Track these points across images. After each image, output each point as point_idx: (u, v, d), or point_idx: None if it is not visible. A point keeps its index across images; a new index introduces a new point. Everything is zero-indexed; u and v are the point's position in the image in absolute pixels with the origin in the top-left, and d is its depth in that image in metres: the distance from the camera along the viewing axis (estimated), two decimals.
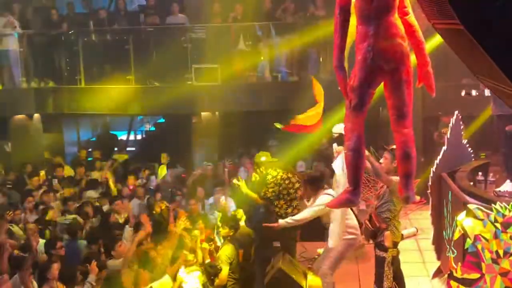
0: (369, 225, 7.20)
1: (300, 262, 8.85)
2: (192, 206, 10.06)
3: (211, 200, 10.71)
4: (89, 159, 14.73)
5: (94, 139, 18.00)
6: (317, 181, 8.06)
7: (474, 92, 10.75)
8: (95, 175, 12.72)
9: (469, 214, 6.88)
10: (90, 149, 15.37)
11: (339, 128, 9.56)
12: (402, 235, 10.62)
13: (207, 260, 7.75)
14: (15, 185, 12.08)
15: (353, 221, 7.69)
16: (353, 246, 7.69)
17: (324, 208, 7.54)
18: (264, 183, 9.04)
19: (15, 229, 9.26)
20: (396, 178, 6.75)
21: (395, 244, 7.21)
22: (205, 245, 7.90)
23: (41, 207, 10.18)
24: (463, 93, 11.84)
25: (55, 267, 7.16)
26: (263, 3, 14.16)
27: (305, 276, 8.06)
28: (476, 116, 11.87)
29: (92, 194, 11.05)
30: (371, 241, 7.47)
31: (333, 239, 7.55)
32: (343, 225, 7.49)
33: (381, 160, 7.39)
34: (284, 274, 7.54)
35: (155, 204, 10.30)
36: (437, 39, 9.21)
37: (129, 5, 16.40)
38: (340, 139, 9.54)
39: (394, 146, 6.95)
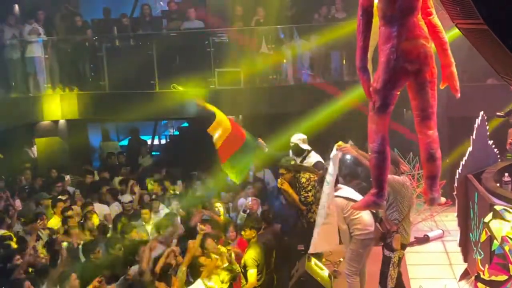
0: (380, 228, 7.14)
1: (326, 265, 8.82)
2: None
3: (241, 201, 10.56)
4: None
5: (123, 143, 18.09)
6: None
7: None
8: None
9: (495, 215, 6.83)
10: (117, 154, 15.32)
11: (295, 138, 9.57)
12: (428, 237, 10.65)
13: (225, 264, 7.71)
14: (43, 190, 12.14)
15: (364, 218, 7.51)
16: (367, 242, 7.57)
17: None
18: (299, 188, 8.77)
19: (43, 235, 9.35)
20: (391, 177, 6.64)
21: (402, 246, 7.16)
22: (223, 249, 7.83)
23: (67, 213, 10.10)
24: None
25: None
26: (285, 6, 14.14)
27: (331, 279, 8.05)
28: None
29: (127, 198, 10.94)
30: (381, 243, 7.40)
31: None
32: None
33: None
34: (310, 277, 7.54)
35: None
36: None
37: (152, 10, 16.50)
38: (295, 149, 9.57)
39: None
